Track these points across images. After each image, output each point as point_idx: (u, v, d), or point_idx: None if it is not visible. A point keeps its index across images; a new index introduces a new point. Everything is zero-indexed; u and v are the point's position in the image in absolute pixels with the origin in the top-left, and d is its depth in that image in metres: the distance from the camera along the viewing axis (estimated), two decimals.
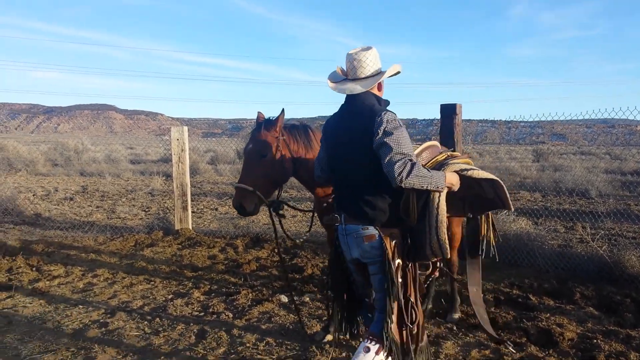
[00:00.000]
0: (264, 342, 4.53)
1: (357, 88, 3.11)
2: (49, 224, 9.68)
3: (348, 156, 3.09)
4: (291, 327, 4.90)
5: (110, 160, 23.92)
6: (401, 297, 3.06)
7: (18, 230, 9.31)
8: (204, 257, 7.37)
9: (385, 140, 2.85)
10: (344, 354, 4.29)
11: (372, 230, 3.03)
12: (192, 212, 9.89)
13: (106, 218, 10.70)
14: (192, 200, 9.35)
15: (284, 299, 5.65)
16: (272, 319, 5.09)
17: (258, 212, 3.80)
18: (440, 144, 6.75)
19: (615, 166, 21.46)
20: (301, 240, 4.88)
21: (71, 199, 13.42)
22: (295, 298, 5.66)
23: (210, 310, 5.35)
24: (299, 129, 4.10)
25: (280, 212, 3.90)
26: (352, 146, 3.04)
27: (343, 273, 3.41)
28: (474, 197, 3.33)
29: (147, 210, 11.85)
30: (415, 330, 3.15)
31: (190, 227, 8.88)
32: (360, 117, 3.03)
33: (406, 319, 3.08)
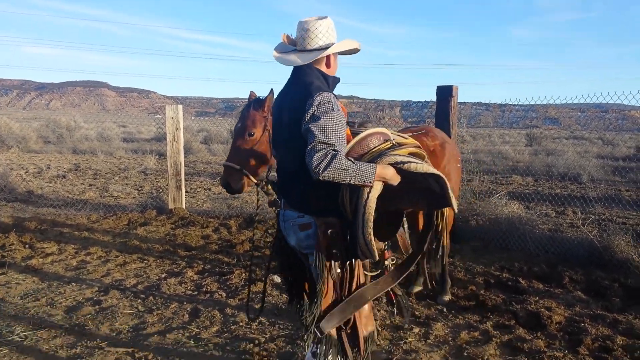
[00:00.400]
0: (257, 321, 4.58)
1: (297, 60, 2.82)
2: (42, 202, 9.66)
3: (285, 138, 2.85)
4: (284, 307, 4.95)
5: (103, 138, 23.82)
6: (338, 291, 2.87)
7: (10, 207, 9.30)
8: (198, 237, 7.40)
9: (310, 126, 2.56)
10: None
11: (307, 219, 2.83)
12: (186, 191, 9.89)
13: (99, 196, 10.69)
14: (185, 180, 9.34)
15: (277, 279, 5.69)
16: (265, 298, 5.13)
17: (244, 190, 3.82)
18: (436, 126, 6.81)
19: (607, 151, 21.58)
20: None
21: (64, 176, 13.37)
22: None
23: (204, 289, 5.39)
24: None
25: (268, 191, 3.92)
26: (288, 128, 2.77)
27: (290, 259, 3.18)
28: (425, 190, 2.95)
29: (140, 189, 11.84)
30: (350, 331, 2.95)
31: (184, 207, 8.88)
32: (296, 95, 2.74)
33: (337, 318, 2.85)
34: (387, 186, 2.72)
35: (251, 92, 3.97)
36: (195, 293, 5.31)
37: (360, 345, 2.91)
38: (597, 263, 6.12)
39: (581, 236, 6.68)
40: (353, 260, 2.86)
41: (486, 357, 3.95)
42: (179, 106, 8.91)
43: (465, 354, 4.02)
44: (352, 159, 2.60)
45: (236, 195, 10.51)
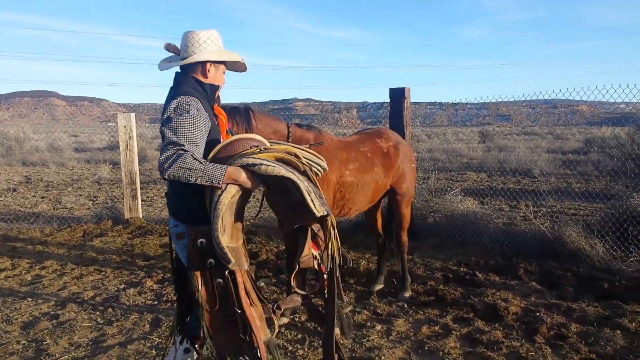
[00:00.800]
0: None
1: (167, 65, 2.93)
2: None
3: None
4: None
5: (54, 148, 23.18)
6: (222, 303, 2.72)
7: None
8: (156, 246, 7.30)
9: (163, 128, 2.61)
10: (299, 336, 4.36)
11: (181, 228, 2.77)
12: (142, 200, 9.73)
13: (52, 209, 10.41)
14: (141, 189, 9.19)
15: (261, 283, 5.66)
16: None
17: None
18: (390, 127, 6.91)
19: (557, 145, 22.28)
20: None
21: (14, 189, 12.96)
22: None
23: (164, 298, 5.32)
24: (239, 111, 4.04)
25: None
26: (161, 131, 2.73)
27: (179, 269, 3.02)
28: (296, 204, 2.73)
29: (94, 199, 11.58)
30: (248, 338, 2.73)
31: (141, 216, 8.74)
32: (165, 101, 2.78)
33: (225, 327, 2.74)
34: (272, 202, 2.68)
35: None
36: (156, 302, 5.24)
37: (261, 351, 2.74)
38: (550, 254, 6.32)
39: (534, 229, 6.89)
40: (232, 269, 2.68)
41: (447, 350, 4.03)
42: (131, 114, 8.76)
43: (427, 348, 4.10)
44: (202, 160, 2.58)
45: None
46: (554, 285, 5.50)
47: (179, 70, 2.95)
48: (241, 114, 4.04)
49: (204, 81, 2.92)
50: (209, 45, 2.89)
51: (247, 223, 8.49)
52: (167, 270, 6.24)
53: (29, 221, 8.86)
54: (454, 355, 3.97)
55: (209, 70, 2.92)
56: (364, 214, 5.59)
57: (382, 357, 3.95)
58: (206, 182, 2.53)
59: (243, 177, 2.62)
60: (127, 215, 8.62)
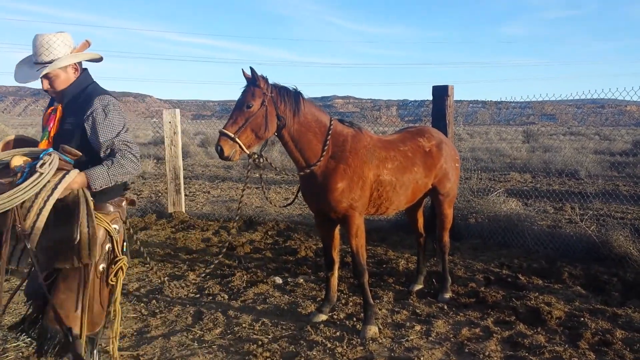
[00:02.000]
0: (260, 322, 4.62)
1: (32, 73, 2.94)
2: None
3: None
4: (286, 307, 4.98)
5: None
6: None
7: None
8: (198, 240, 7.43)
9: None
10: (337, 333, 4.38)
11: None
12: (185, 195, 9.91)
13: None
14: (184, 184, 9.37)
15: (279, 280, 5.73)
16: (267, 300, 5.18)
17: (235, 159, 3.98)
18: (432, 125, 6.85)
19: (604, 146, 21.66)
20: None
21: None
22: (289, 279, 5.77)
23: (206, 292, 5.42)
24: (289, 92, 4.20)
25: (259, 164, 4.17)
26: None
27: None
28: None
29: (139, 193, 11.86)
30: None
31: (184, 210, 8.92)
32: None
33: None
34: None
35: (243, 70, 4.11)
36: (198, 296, 5.34)
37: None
38: (595, 258, 6.17)
39: (580, 232, 6.73)
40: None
41: (487, 353, 3.99)
42: (176, 110, 8.94)
43: (467, 350, 4.06)
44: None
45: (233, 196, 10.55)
46: (599, 290, 5.36)
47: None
48: (291, 95, 4.18)
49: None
50: (68, 47, 3.02)
51: (286, 220, 8.58)
52: (209, 264, 6.36)
53: None
54: (495, 358, 3.92)
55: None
56: (406, 212, 5.57)
57: (421, 358, 3.93)
58: None
59: None
60: (170, 210, 8.81)
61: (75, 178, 2.72)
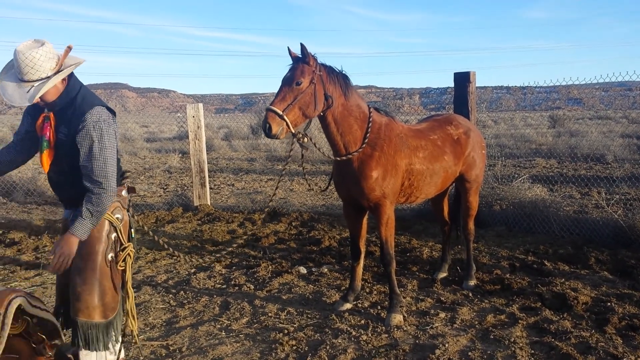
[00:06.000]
0: (285, 311, 4.69)
1: (16, 97, 2.83)
2: None
3: None
4: (311, 297, 5.04)
5: (126, 138, 24.15)
6: None
7: (41, 210, 9.55)
8: (224, 232, 7.53)
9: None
10: (362, 321, 4.42)
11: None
12: (210, 188, 10.04)
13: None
14: (209, 177, 9.48)
15: (303, 270, 5.79)
16: (292, 289, 5.24)
17: (281, 137, 3.91)
18: (454, 112, 6.82)
19: (632, 130, 21.21)
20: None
21: None
22: (313, 269, 5.83)
23: (232, 282, 5.51)
24: (338, 73, 4.19)
25: (304, 144, 4.11)
26: None
27: None
28: None
29: (165, 187, 12.04)
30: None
31: (209, 203, 9.03)
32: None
33: None
34: None
35: (289, 48, 4.08)
36: (224, 286, 5.44)
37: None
38: (622, 243, 6.10)
39: (606, 216, 6.66)
40: None
41: (512, 339, 3.99)
42: (199, 105, 9.03)
43: (492, 337, 4.07)
44: None
45: (259, 193, 10.62)
46: (627, 275, 5.30)
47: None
48: (340, 76, 4.18)
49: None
50: (53, 60, 2.93)
51: (310, 211, 8.63)
52: (234, 255, 6.45)
53: None
54: (521, 344, 3.92)
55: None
56: (430, 200, 5.57)
57: (446, 345, 3.96)
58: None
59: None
60: (196, 203, 8.93)
61: (70, 244, 2.96)
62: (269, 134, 3.85)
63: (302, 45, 3.98)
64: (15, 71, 2.86)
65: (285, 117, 3.83)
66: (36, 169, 13.61)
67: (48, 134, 3.01)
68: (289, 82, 3.96)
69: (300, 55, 4.03)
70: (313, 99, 3.97)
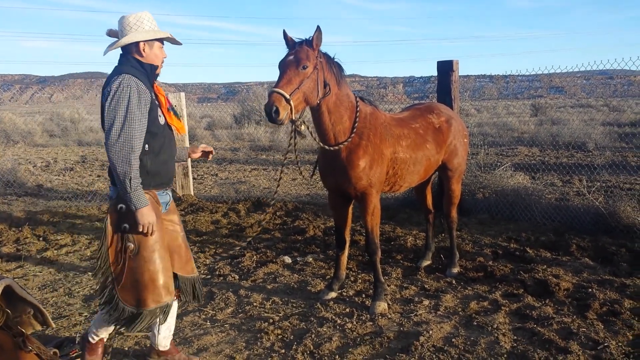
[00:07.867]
0: (270, 301, 4.69)
1: (107, 50, 3.21)
2: (52, 195, 9.79)
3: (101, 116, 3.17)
4: (296, 286, 5.05)
5: None
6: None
7: (22, 201, 9.42)
8: (208, 222, 7.50)
9: (108, 112, 2.99)
10: (347, 310, 4.44)
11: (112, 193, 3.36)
12: (193, 178, 9.97)
13: (108, 187, 10.76)
14: (192, 167, 9.42)
15: (288, 260, 5.79)
16: (277, 279, 5.24)
17: (284, 123, 3.78)
18: (437, 101, 6.83)
19: (613, 118, 21.46)
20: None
21: (71, 169, 13.49)
22: (298, 259, 5.82)
23: (217, 272, 5.49)
24: (334, 62, 4.15)
25: (302, 131, 4.06)
26: (102, 107, 3.09)
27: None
28: None
29: None
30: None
31: (192, 193, 8.98)
32: (108, 79, 3.10)
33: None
34: None
35: (284, 31, 4.02)
36: (209, 276, 5.42)
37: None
38: (603, 230, 6.18)
39: (588, 204, 6.73)
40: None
41: (496, 325, 4.03)
42: (181, 94, 8.95)
43: (475, 323, 4.11)
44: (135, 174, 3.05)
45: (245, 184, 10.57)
46: (608, 261, 5.38)
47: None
48: (336, 65, 4.15)
49: (143, 60, 3.20)
50: (140, 27, 3.14)
51: (294, 200, 8.62)
52: (219, 245, 6.43)
53: (86, 199, 9.24)
54: (503, 330, 3.97)
55: (143, 50, 3.18)
56: (414, 189, 5.58)
57: (430, 332, 3.98)
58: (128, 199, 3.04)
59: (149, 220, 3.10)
60: (179, 193, 8.87)
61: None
62: (275, 118, 3.64)
63: (318, 27, 3.88)
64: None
65: (291, 102, 3.68)
66: (16, 160, 13.42)
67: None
68: (295, 64, 3.79)
69: (305, 40, 3.93)
70: (316, 85, 3.87)
